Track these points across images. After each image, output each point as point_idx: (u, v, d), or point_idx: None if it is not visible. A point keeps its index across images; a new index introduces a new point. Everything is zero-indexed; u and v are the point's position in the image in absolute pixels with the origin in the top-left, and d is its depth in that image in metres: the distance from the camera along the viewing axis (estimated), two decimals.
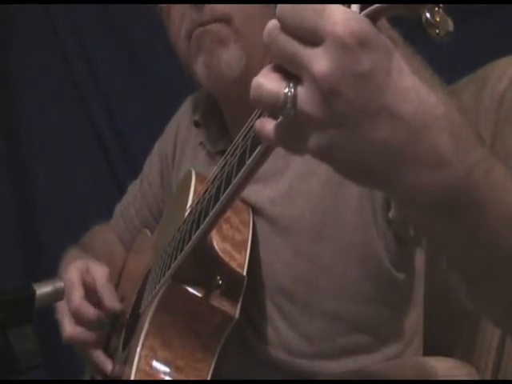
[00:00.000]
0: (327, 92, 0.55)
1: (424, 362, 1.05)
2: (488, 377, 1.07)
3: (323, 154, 0.59)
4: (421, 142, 0.58)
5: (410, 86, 0.58)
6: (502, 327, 0.85)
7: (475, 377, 1.05)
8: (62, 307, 1.16)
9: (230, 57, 1.04)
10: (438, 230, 0.64)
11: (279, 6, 0.57)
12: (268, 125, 0.60)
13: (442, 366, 1.02)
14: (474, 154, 0.61)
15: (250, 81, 0.60)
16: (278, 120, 0.60)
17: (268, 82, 0.58)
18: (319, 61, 0.55)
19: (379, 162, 0.58)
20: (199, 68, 1.06)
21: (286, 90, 0.57)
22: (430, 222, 0.64)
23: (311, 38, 0.55)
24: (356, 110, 0.56)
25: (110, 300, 1.15)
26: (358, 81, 0.55)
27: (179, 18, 1.07)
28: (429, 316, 1.12)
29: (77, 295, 1.14)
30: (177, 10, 1.07)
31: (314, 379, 1.04)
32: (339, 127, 0.57)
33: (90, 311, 1.14)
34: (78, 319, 1.14)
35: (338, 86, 0.55)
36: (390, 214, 0.97)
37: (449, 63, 1.67)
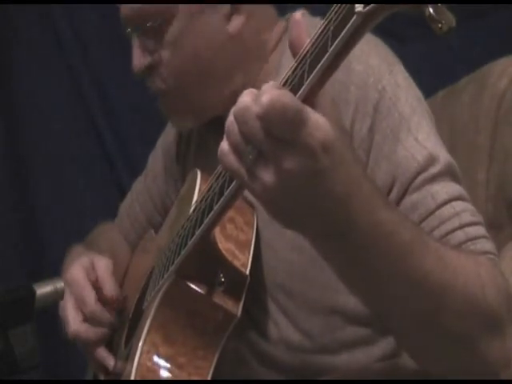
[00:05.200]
0: (288, 184, 0.68)
1: None
2: None
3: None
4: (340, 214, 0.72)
5: (354, 175, 0.72)
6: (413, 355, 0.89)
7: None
8: (65, 303, 1.15)
9: (182, 120, 1.17)
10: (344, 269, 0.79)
11: (269, 107, 0.64)
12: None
13: None
14: (377, 215, 0.74)
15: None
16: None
17: (231, 157, 0.70)
18: (289, 159, 0.66)
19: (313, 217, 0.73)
20: None
21: (245, 176, 0.69)
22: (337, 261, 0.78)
23: (287, 140, 0.66)
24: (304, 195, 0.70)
25: (110, 289, 1.15)
26: (314, 176, 0.68)
27: None
28: None
29: (91, 298, 1.14)
30: None
31: (314, 379, 1.05)
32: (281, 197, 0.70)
33: (105, 315, 1.14)
34: (93, 323, 1.14)
35: (297, 181, 0.68)
36: None
37: (449, 63, 1.67)
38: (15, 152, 2.08)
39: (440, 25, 0.58)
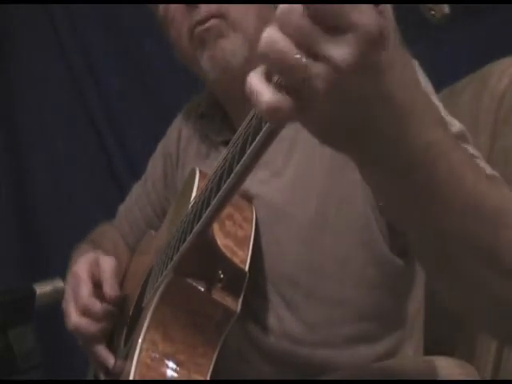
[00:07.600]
0: (342, 78, 0.56)
1: (424, 362, 1.05)
2: (488, 377, 1.07)
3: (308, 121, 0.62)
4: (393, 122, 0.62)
5: (409, 77, 0.63)
6: (468, 317, 0.86)
7: (475, 377, 1.05)
8: (67, 296, 1.16)
9: (233, 46, 1.07)
10: (397, 199, 0.69)
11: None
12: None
13: (443, 366, 1.02)
14: (433, 134, 0.65)
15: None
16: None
17: (286, 43, 0.56)
18: (343, 50, 0.55)
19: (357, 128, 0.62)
20: (205, 63, 1.09)
21: (304, 60, 0.55)
22: (389, 188, 0.68)
23: (338, 26, 0.55)
24: (361, 95, 0.59)
25: (110, 288, 1.15)
26: (372, 71, 0.58)
27: (179, 20, 1.10)
28: (430, 315, 1.12)
29: (85, 291, 1.14)
30: (175, 13, 1.10)
31: (314, 379, 1.05)
32: (336, 105, 0.59)
33: (97, 307, 1.14)
34: (86, 314, 1.15)
35: (353, 75, 0.56)
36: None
37: (449, 63, 1.67)
38: (15, 152, 2.09)
39: (433, 12, 0.58)
